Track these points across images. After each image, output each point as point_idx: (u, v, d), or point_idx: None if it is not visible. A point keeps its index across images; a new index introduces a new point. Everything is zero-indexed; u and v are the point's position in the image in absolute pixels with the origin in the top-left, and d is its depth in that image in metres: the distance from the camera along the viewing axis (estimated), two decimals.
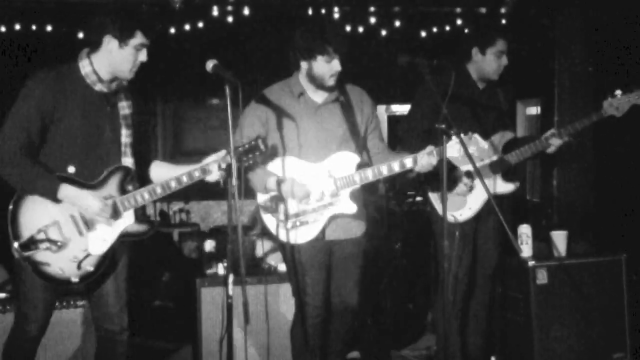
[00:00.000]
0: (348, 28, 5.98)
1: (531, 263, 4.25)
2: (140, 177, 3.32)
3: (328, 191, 3.56)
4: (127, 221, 3.21)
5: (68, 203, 3.09)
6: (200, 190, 7.78)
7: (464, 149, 3.27)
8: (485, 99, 4.10)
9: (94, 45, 3.13)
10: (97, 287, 3.25)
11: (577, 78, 5.44)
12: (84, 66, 3.13)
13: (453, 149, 3.33)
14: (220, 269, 4.28)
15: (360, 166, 3.60)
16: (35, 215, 3.07)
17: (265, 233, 3.74)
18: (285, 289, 4.07)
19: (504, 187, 4.05)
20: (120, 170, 3.20)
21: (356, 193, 3.62)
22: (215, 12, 5.44)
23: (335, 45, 3.51)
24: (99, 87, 3.15)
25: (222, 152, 3.25)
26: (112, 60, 3.13)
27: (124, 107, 3.26)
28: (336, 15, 5.55)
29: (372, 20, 5.82)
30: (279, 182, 3.49)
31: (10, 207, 3.05)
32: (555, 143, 4.00)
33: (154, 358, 4.78)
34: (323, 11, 5.47)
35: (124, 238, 3.23)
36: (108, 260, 3.19)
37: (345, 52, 3.55)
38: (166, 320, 5.52)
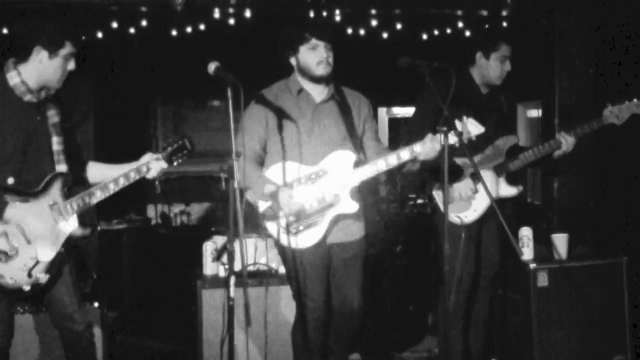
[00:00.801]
0: (349, 30, 5.99)
1: (532, 265, 4.25)
2: (77, 181, 3.38)
3: (328, 192, 3.56)
4: (72, 226, 3.25)
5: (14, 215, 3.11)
6: (200, 193, 7.79)
7: (460, 144, 3.29)
8: (489, 104, 4.11)
9: (21, 55, 3.15)
10: (48, 292, 3.28)
11: (577, 80, 5.44)
12: (12, 77, 3.15)
13: (452, 138, 3.33)
14: (221, 270, 4.29)
15: (357, 164, 3.61)
16: None
17: (269, 237, 3.73)
18: (287, 291, 4.07)
19: (507, 190, 4.05)
20: (60, 177, 3.24)
21: (356, 193, 3.62)
22: (216, 14, 5.44)
23: (313, 31, 3.56)
24: (28, 97, 3.17)
25: (151, 154, 3.38)
26: (42, 70, 3.15)
27: (53, 116, 3.27)
28: (337, 18, 5.56)
29: (374, 22, 5.82)
30: (274, 194, 3.48)
31: None
32: (566, 140, 3.99)
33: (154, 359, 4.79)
34: (324, 13, 5.47)
35: (69, 242, 3.26)
36: (57, 266, 3.22)
37: (329, 36, 3.58)
38: (167, 322, 5.52)
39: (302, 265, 3.58)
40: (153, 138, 8.23)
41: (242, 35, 5.84)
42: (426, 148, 3.47)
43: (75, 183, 3.34)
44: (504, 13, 5.54)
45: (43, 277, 3.17)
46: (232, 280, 3.08)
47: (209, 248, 4.34)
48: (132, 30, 5.63)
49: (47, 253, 3.18)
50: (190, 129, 8.21)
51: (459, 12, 5.69)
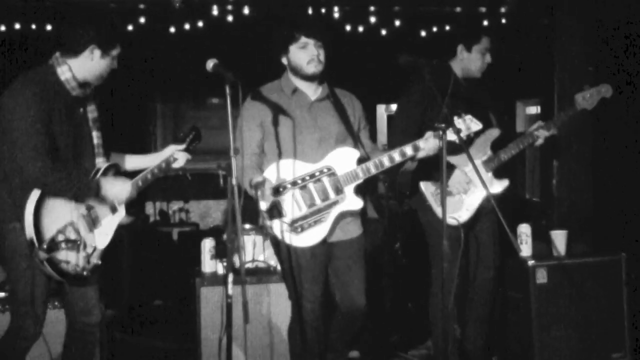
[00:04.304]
0: (348, 27, 5.98)
1: (531, 262, 4.25)
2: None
3: (332, 189, 3.54)
4: (121, 214, 3.44)
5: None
6: (199, 190, 7.79)
7: (459, 139, 3.30)
8: (470, 96, 4.09)
9: (73, 50, 3.24)
10: (85, 282, 3.38)
11: (576, 77, 5.43)
12: (64, 72, 3.24)
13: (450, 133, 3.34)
14: (220, 268, 4.28)
15: (361, 160, 3.59)
16: (53, 218, 3.20)
17: (271, 237, 3.70)
18: (285, 288, 4.07)
19: (496, 185, 4.03)
20: (112, 168, 3.42)
21: (359, 188, 3.59)
22: (215, 11, 5.44)
23: (302, 29, 3.55)
24: (76, 92, 3.28)
25: (174, 146, 3.62)
26: (93, 67, 3.27)
27: (93, 111, 3.41)
28: (336, 15, 5.56)
29: (373, 19, 5.82)
30: (275, 191, 3.48)
31: (32, 211, 3.13)
32: (542, 134, 4.02)
33: (153, 358, 4.78)
34: (323, 10, 5.47)
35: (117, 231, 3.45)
36: (109, 252, 3.39)
37: (318, 33, 3.56)
38: (165, 319, 5.52)
39: (300, 266, 3.55)
40: (152, 136, 8.23)
41: (241, 33, 5.84)
42: (429, 144, 3.50)
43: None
44: (503, 10, 5.54)
45: (98, 263, 3.35)
46: (231, 277, 3.08)
47: (207, 245, 4.33)
48: (130, 28, 5.63)
49: (103, 241, 3.37)
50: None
51: (458, 9, 5.69)
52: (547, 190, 5.67)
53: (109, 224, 3.39)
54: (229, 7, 5.43)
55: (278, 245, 3.61)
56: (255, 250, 4.37)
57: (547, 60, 5.54)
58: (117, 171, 3.45)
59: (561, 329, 4.27)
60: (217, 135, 8.03)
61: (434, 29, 6.22)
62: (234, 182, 3.02)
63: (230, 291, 3.09)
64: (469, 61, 4.04)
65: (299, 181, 3.53)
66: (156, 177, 3.53)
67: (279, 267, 4.23)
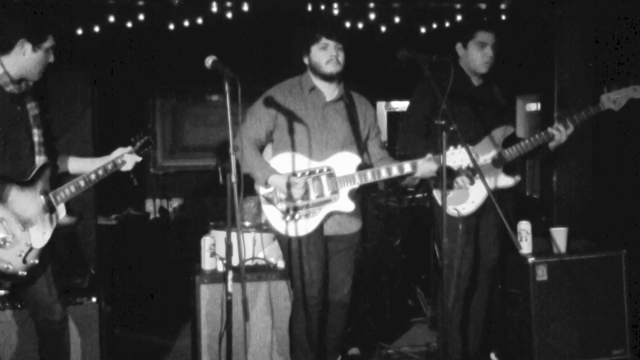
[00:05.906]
0: (347, 24, 5.97)
1: (531, 259, 4.25)
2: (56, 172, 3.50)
3: (328, 188, 3.68)
4: (61, 214, 3.38)
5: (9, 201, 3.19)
6: (198, 187, 7.76)
7: (469, 156, 3.32)
8: (482, 95, 4.09)
9: (4, 46, 3.21)
10: (29, 283, 3.34)
11: (577, 73, 5.42)
12: None
13: (451, 158, 3.40)
14: (220, 265, 4.28)
15: (361, 168, 3.74)
16: None
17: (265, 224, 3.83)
18: (285, 285, 4.07)
19: (504, 181, 4.04)
20: (48, 167, 3.35)
21: (354, 192, 3.74)
22: (214, 8, 5.43)
23: (323, 31, 3.67)
24: (10, 88, 3.24)
25: (129, 148, 3.58)
26: (25, 62, 3.23)
27: (33, 108, 3.35)
28: (335, 11, 5.55)
29: (372, 16, 5.81)
30: (282, 182, 3.60)
31: None
32: (559, 132, 3.97)
33: (153, 354, 4.78)
34: (322, 7, 5.46)
35: (57, 230, 3.38)
36: (48, 252, 3.33)
37: (339, 36, 3.68)
38: (165, 316, 5.52)
39: (300, 253, 3.69)
40: (151, 133, 8.22)
41: (240, 29, 5.83)
42: (422, 168, 3.63)
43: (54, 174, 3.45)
44: (503, 6, 5.52)
45: (35, 263, 3.27)
46: (230, 275, 3.08)
47: (207, 243, 4.33)
48: (129, 24, 5.61)
49: (40, 240, 3.28)
50: (189, 123, 8.20)
51: (458, 6, 5.67)
52: (547, 187, 5.65)
53: (46, 222, 3.31)
54: (228, 4, 5.42)
55: (282, 235, 3.74)
56: (255, 247, 4.37)
57: (547, 56, 5.53)
58: (54, 172, 3.39)
59: (561, 326, 4.27)
60: (216, 131, 8.05)
61: (434, 26, 6.20)
62: (233, 179, 3.02)
63: (230, 288, 3.09)
64: (468, 57, 4.04)
65: (299, 175, 3.70)
66: (100, 179, 3.47)
67: (278, 265, 4.25)
